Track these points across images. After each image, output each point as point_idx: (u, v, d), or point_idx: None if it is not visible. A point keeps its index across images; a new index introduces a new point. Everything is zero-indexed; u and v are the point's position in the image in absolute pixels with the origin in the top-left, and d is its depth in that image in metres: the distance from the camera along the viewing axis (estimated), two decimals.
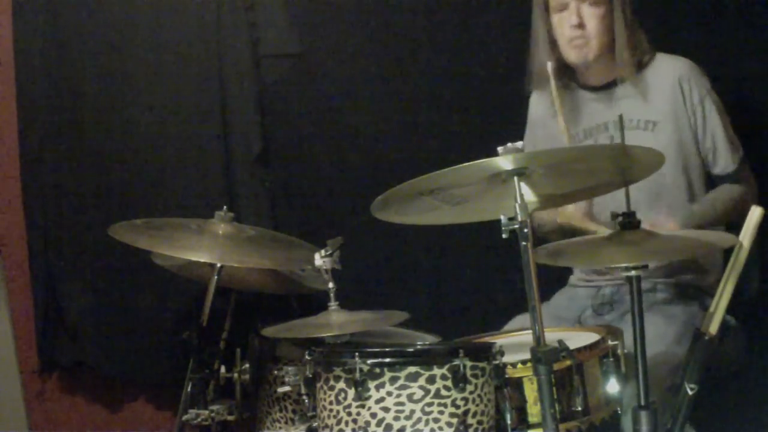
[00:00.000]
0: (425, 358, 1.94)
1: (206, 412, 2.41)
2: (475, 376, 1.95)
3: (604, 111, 2.59)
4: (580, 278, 2.67)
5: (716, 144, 2.54)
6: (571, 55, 2.55)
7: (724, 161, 2.55)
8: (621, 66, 2.53)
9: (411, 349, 2.04)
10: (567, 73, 2.63)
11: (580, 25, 2.51)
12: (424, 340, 2.44)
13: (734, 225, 2.25)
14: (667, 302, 2.49)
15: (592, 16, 2.51)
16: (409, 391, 1.91)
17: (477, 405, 1.95)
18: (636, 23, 2.54)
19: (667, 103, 2.53)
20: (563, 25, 2.54)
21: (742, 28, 2.86)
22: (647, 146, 2.45)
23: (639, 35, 2.55)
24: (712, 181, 2.59)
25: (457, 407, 1.92)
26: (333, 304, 2.23)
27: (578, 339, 2.22)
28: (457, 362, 1.93)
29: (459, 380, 1.92)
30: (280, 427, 2.38)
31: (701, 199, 2.56)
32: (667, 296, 2.51)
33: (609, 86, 2.59)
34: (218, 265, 2.49)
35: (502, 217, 1.83)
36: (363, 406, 1.92)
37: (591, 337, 2.24)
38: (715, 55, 2.74)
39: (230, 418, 2.43)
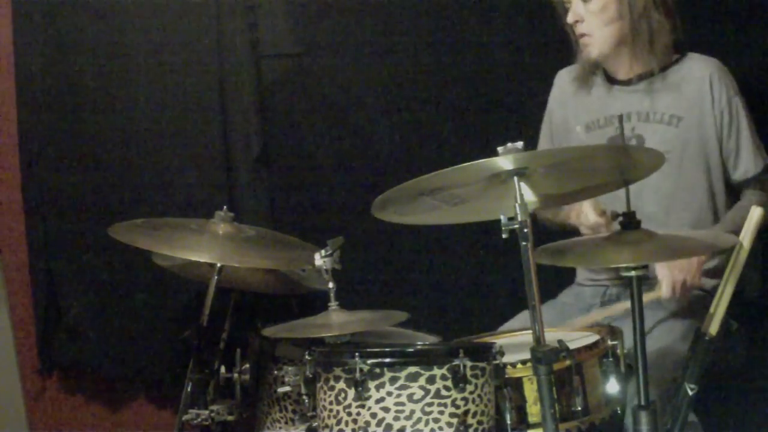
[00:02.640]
0: (425, 358, 1.94)
1: (206, 412, 2.41)
2: (475, 376, 1.95)
3: (628, 101, 2.57)
4: (587, 277, 2.67)
5: (740, 146, 2.52)
6: (582, 52, 2.56)
7: (746, 165, 2.53)
8: (637, 59, 2.54)
9: (411, 349, 2.04)
10: (598, 66, 2.63)
11: (577, 23, 2.52)
12: (424, 340, 2.44)
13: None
14: (673, 301, 2.49)
15: (587, 13, 2.51)
16: (409, 391, 1.91)
17: (477, 405, 1.95)
18: (655, 19, 2.51)
19: (694, 99, 2.52)
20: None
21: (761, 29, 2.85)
22: (670, 140, 2.48)
23: (661, 33, 2.52)
24: (731, 186, 2.58)
25: (457, 407, 1.92)
26: (333, 304, 2.23)
27: (578, 339, 2.22)
28: (457, 362, 1.93)
29: (459, 380, 1.92)
30: (280, 427, 2.38)
31: (726, 214, 2.54)
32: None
33: (637, 80, 2.58)
34: (218, 265, 2.49)
35: (502, 217, 1.83)
36: (363, 406, 1.92)
37: (591, 337, 2.24)
38: (736, 57, 2.71)
39: (230, 418, 2.43)
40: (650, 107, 2.55)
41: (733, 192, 2.59)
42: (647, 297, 2.34)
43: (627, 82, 2.59)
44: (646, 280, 2.33)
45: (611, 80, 2.62)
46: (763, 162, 2.55)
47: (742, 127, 2.52)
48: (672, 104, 2.54)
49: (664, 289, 2.36)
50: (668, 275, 2.36)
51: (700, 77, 2.53)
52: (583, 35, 2.53)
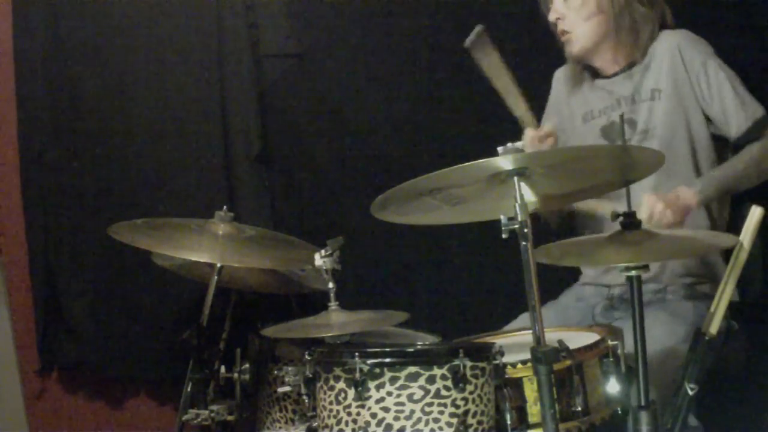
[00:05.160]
0: (425, 358, 1.94)
1: (206, 412, 2.41)
2: (475, 376, 1.95)
3: (616, 89, 2.61)
4: (592, 278, 2.68)
5: (725, 105, 2.51)
6: (565, 50, 2.60)
7: (737, 122, 2.51)
8: (626, 51, 2.57)
9: (411, 349, 2.04)
10: (584, 64, 2.66)
11: (559, 20, 2.57)
12: (424, 340, 2.44)
13: None
14: (677, 302, 2.49)
15: (568, 10, 2.55)
16: (409, 391, 1.91)
17: (477, 405, 1.94)
18: (638, 10, 2.53)
19: (668, 71, 2.54)
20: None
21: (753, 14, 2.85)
22: (654, 115, 2.51)
23: (645, 24, 2.54)
24: (719, 153, 2.57)
25: (457, 407, 1.92)
26: (333, 304, 2.23)
27: (578, 339, 2.22)
28: (457, 362, 1.93)
29: (459, 380, 1.92)
30: (280, 427, 2.38)
31: (718, 166, 2.54)
32: (676, 297, 2.51)
33: (622, 71, 2.61)
34: (218, 265, 2.49)
35: (502, 217, 1.83)
36: (363, 406, 1.92)
37: (591, 337, 2.24)
38: (724, 37, 2.70)
39: (230, 418, 2.43)
40: (635, 90, 2.58)
41: (720, 157, 2.57)
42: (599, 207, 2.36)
43: (613, 75, 2.63)
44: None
45: (599, 76, 2.65)
46: (753, 115, 2.51)
47: (723, 87, 2.51)
48: (652, 80, 2.57)
49: (643, 209, 2.33)
50: (651, 199, 2.35)
51: (670, 51, 2.55)
52: (564, 32, 2.57)
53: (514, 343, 2.33)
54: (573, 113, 2.71)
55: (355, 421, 1.93)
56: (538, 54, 2.89)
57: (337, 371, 1.96)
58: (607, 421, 2.14)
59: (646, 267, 1.98)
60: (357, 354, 1.92)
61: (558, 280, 2.71)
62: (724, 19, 2.79)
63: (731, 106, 2.51)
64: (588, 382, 2.10)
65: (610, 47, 2.58)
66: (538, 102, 2.77)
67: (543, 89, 2.81)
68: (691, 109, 2.54)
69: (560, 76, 2.78)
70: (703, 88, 2.52)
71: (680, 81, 2.53)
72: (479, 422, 1.95)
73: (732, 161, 2.52)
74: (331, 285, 2.23)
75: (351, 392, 1.93)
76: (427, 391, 1.91)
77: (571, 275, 2.75)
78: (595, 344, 2.15)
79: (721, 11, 2.81)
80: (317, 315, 2.25)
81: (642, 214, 2.31)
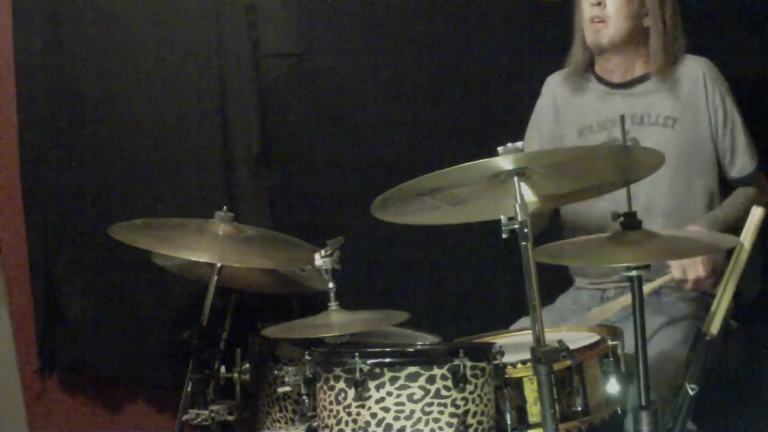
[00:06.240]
0: (425, 358, 1.94)
1: (206, 412, 2.41)
2: (475, 376, 1.95)
3: (622, 105, 2.57)
4: (586, 281, 2.67)
5: (736, 144, 2.53)
6: (589, 36, 2.54)
7: (742, 162, 2.53)
8: (654, 58, 2.53)
9: (411, 349, 2.04)
10: (590, 68, 2.63)
11: (599, 6, 2.50)
12: (424, 340, 2.44)
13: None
14: (672, 303, 2.49)
15: (612, 1, 2.50)
16: (409, 391, 1.91)
17: (477, 405, 1.94)
18: (676, 18, 2.52)
19: (689, 100, 2.53)
20: (586, 2, 2.53)
21: (753, 30, 2.85)
22: (665, 142, 2.47)
23: (677, 32, 2.53)
24: (725, 185, 2.57)
25: (457, 407, 1.92)
26: (333, 304, 2.23)
27: (578, 339, 2.22)
28: (457, 362, 1.92)
29: (459, 380, 1.92)
30: (280, 427, 2.38)
31: (722, 203, 2.54)
32: (671, 299, 2.51)
33: (631, 83, 2.58)
34: (218, 265, 2.49)
35: (502, 217, 1.83)
36: (363, 406, 1.92)
37: (591, 337, 2.24)
38: (726, 57, 2.71)
39: (230, 418, 2.43)
40: (645, 110, 2.55)
41: (728, 193, 2.58)
42: (659, 282, 2.35)
43: (622, 86, 2.59)
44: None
45: (606, 83, 2.61)
46: (757, 160, 2.55)
47: (736, 124, 2.53)
48: (667, 106, 2.54)
49: (675, 271, 2.34)
50: (687, 268, 2.33)
51: (693, 77, 2.54)
52: (600, 20, 2.51)
53: (514, 343, 2.33)
54: (567, 124, 2.66)
55: (355, 421, 1.93)
56: (538, 54, 2.90)
57: (337, 371, 1.95)
58: (607, 421, 2.14)
59: (647, 267, 1.98)
60: (357, 354, 1.92)
61: (555, 285, 2.71)
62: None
63: (741, 145, 2.53)
64: (588, 382, 2.09)
65: (630, 55, 2.54)
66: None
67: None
68: (706, 141, 2.52)
69: (555, 83, 2.71)
70: (720, 121, 2.51)
71: (700, 111, 2.52)
72: (479, 422, 1.95)
73: (732, 204, 2.51)
74: (331, 285, 2.23)
75: (351, 392, 1.93)
76: (427, 391, 1.91)
77: (568, 280, 2.75)
78: (595, 344, 2.15)
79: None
80: (317, 315, 2.25)
81: (677, 273, 2.34)
